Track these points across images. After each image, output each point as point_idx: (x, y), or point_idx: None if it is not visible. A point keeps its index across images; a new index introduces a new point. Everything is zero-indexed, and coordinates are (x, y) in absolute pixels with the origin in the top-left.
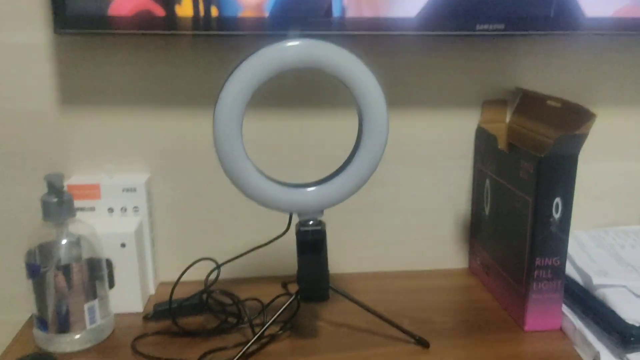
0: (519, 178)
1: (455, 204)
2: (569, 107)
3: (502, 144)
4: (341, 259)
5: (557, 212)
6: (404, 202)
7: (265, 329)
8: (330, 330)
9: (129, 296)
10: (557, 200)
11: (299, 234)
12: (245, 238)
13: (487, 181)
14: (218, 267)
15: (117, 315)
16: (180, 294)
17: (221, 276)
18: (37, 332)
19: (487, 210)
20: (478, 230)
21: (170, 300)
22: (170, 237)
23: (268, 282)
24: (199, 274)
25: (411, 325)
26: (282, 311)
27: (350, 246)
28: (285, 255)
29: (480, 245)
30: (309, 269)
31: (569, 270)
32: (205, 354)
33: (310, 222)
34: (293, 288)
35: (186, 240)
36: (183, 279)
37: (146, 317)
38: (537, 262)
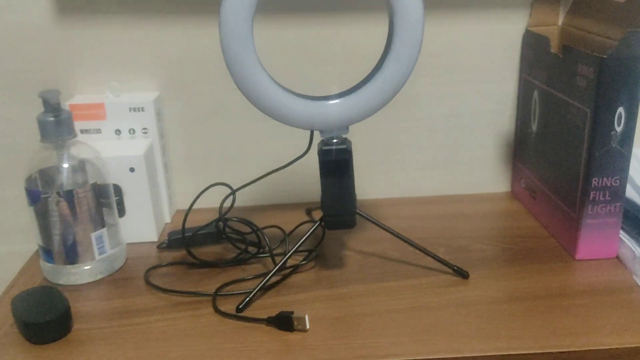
0: (575, 86)
1: (497, 121)
2: (637, 1)
3: (554, 47)
4: (369, 184)
5: (619, 124)
6: (438, 120)
7: (287, 259)
8: (358, 259)
9: (142, 225)
10: (620, 110)
11: (321, 153)
12: (264, 161)
13: (536, 93)
14: (233, 192)
15: (131, 245)
16: (196, 222)
17: (240, 204)
18: (44, 264)
19: (534, 127)
20: (523, 149)
21: (184, 229)
22: (184, 161)
23: (291, 209)
24: (216, 201)
25: (447, 254)
26: (305, 239)
27: (379, 170)
28: (309, 179)
29: (525, 167)
30: (333, 192)
31: (629, 192)
32: (222, 286)
33: (334, 140)
34: (318, 215)
35: (202, 164)
36: (200, 206)
37: (160, 247)
38: (594, 182)
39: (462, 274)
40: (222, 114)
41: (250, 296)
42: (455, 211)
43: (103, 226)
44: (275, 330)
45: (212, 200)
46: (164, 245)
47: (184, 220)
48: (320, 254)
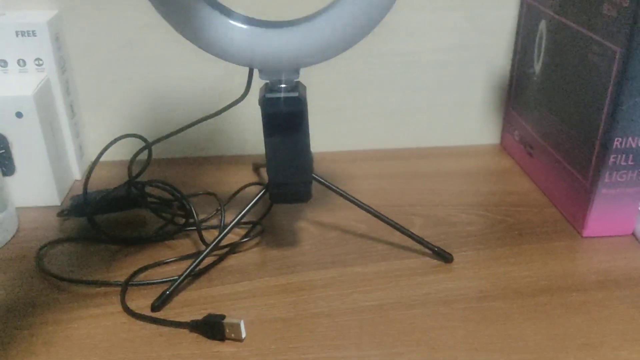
0: (600, 16)
1: (489, 57)
2: None
3: None
4: (328, 134)
5: None
6: (416, 55)
7: (220, 239)
8: (315, 235)
9: (38, 184)
10: None
11: (264, 103)
12: (194, 102)
13: (542, 24)
14: (149, 145)
15: (26, 210)
16: (112, 179)
17: (165, 155)
18: None
19: (537, 67)
20: (520, 94)
21: (85, 192)
22: (97, 101)
23: (230, 165)
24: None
25: (425, 228)
26: (246, 212)
27: (340, 117)
28: (254, 131)
29: (521, 116)
30: (281, 156)
31: None
32: (137, 272)
33: (282, 86)
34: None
35: (119, 106)
36: (116, 158)
37: (61, 215)
38: (616, 143)
39: (444, 257)
40: (142, 41)
41: (170, 289)
42: (434, 168)
43: None
44: (201, 340)
45: (125, 152)
46: (65, 212)
47: (86, 180)
48: (266, 228)
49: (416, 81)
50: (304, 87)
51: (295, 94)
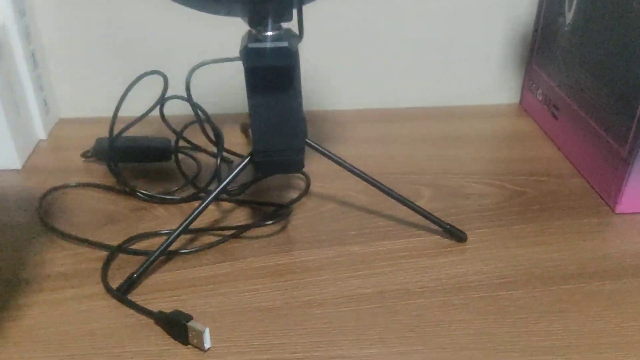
0: None
1: (510, 4)
2: None
3: None
4: (326, 90)
5: None
6: (428, 3)
7: (196, 216)
8: (309, 207)
9: None
10: None
11: (246, 54)
12: (180, 53)
13: None
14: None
15: None
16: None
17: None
18: None
19: (569, 16)
20: (546, 47)
21: (111, 135)
22: (65, 49)
23: (221, 125)
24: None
25: (435, 201)
26: (226, 183)
27: (340, 72)
28: (242, 87)
29: (546, 71)
30: (267, 119)
31: None
32: (132, 239)
33: (269, 34)
34: None
35: (92, 54)
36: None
37: (85, 155)
38: None
39: (457, 236)
40: None
41: (138, 272)
42: (446, 131)
43: None
44: (165, 337)
45: (103, 107)
46: (89, 154)
47: (112, 125)
48: (252, 199)
49: (425, 32)
50: (296, 36)
51: (284, 44)
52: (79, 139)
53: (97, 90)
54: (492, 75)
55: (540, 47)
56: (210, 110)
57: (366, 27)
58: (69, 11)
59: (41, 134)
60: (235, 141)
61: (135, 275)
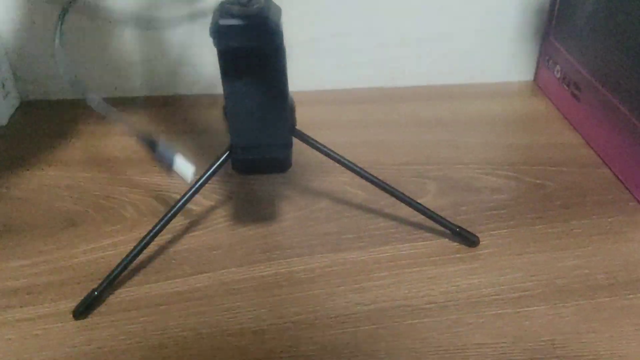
0: None
1: None
2: None
3: None
4: (316, 67)
5: None
6: None
7: (165, 223)
8: (299, 205)
9: None
10: None
11: (217, 33)
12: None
13: None
14: None
15: None
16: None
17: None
18: None
19: None
20: (566, 17)
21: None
22: (20, 23)
23: (201, 108)
24: None
25: (441, 197)
26: (200, 185)
27: (331, 46)
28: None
29: (565, 46)
30: (246, 109)
31: None
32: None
33: (250, 7)
34: None
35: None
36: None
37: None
38: None
39: (468, 240)
40: None
41: (100, 289)
42: (453, 113)
43: None
44: None
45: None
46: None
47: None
48: (234, 195)
49: (433, 3)
50: (278, 9)
51: (264, 16)
52: (42, 125)
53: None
54: (502, 49)
55: (559, 17)
56: (184, 90)
57: (354, 4)
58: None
59: (1, 120)
60: (219, 128)
61: (96, 293)
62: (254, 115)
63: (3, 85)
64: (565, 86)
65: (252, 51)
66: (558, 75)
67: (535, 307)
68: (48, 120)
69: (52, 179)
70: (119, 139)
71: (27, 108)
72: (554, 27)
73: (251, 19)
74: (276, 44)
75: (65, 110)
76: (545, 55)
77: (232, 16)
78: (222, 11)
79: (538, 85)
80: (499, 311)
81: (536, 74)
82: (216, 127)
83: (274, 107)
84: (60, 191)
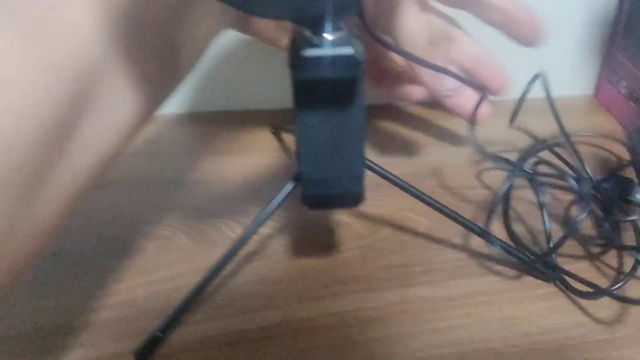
0: None
1: None
2: None
3: None
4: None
5: None
6: None
7: (230, 258)
8: (361, 237)
9: None
10: None
11: (300, 64)
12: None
13: None
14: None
15: None
16: None
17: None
18: None
19: None
20: (634, 27)
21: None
22: None
23: (247, 125)
24: None
25: (515, 224)
26: (264, 219)
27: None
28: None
29: (632, 60)
30: (321, 142)
31: None
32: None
33: (329, 38)
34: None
35: None
36: None
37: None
38: None
39: (546, 274)
40: None
41: (163, 328)
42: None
43: None
44: None
45: None
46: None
47: None
48: (291, 223)
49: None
50: (359, 37)
51: (349, 50)
52: None
53: None
54: (561, 61)
55: (626, 31)
56: (227, 106)
57: None
58: None
59: None
60: (267, 145)
61: (159, 334)
62: (328, 148)
63: None
64: (631, 103)
65: (335, 82)
66: (624, 90)
67: (626, 350)
68: None
69: (96, 203)
70: (170, 159)
71: None
72: (619, 40)
73: (336, 49)
74: (360, 73)
75: None
76: (608, 67)
77: (314, 46)
78: (300, 41)
79: (599, 98)
80: (587, 356)
81: (598, 86)
82: (259, 146)
83: (351, 139)
84: (108, 216)
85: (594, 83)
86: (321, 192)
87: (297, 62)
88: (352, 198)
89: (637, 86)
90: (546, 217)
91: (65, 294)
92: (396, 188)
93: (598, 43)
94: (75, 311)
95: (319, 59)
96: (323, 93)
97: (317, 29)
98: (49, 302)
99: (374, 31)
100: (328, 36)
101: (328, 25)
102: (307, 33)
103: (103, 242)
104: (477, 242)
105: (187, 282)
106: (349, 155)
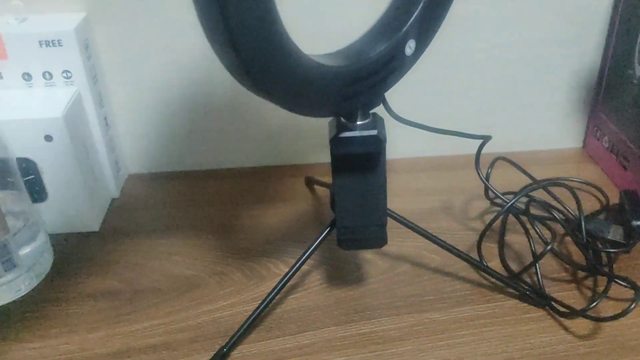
0: None
1: (575, 51)
2: None
3: None
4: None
5: None
6: (493, 51)
7: (280, 288)
8: (383, 271)
9: (74, 210)
10: None
11: (337, 143)
12: (238, 114)
13: None
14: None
15: (62, 236)
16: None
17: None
18: None
19: (638, 70)
20: (612, 96)
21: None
22: (132, 109)
23: (284, 178)
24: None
25: (511, 263)
26: (308, 256)
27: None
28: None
29: (612, 119)
30: (352, 199)
31: None
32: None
33: (358, 123)
34: (324, 193)
35: (159, 113)
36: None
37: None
38: None
39: (537, 302)
40: (182, 45)
41: (228, 346)
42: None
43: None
44: None
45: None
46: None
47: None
48: (325, 261)
49: (488, 79)
50: (382, 121)
51: (374, 132)
52: (150, 196)
53: (161, 147)
54: (554, 120)
55: (606, 97)
56: (266, 162)
57: (425, 72)
58: (136, 76)
59: (114, 192)
60: (302, 195)
61: (225, 350)
62: (357, 203)
63: (116, 162)
64: (613, 155)
65: (363, 157)
66: (606, 145)
67: None
68: (153, 190)
69: (164, 246)
70: (224, 207)
71: (134, 180)
72: (601, 104)
73: (364, 131)
74: (382, 148)
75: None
76: (593, 126)
77: (348, 129)
78: (339, 125)
79: (587, 152)
80: None
81: (585, 142)
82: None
83: (374, 196)
84: (174, 257)
85: (582, 137)
86: (352, 237)
87: (335, 142)
88: (377, 241)
89: (618, 142)
90: (533, 247)
91: (148, 320)
92: (411, 231)
93: (584, 104)
94: (155, 333)
95: (351, 139)
96: (354, 163)
97: (351, 118)
98: (133, 326)
99: (396, 114)
100: (358, 122)
101: (358, 114)
102: (343, 120)
103: (172, 278)
104: (479, 276)
105: (243, 310)
106: (374, 207)
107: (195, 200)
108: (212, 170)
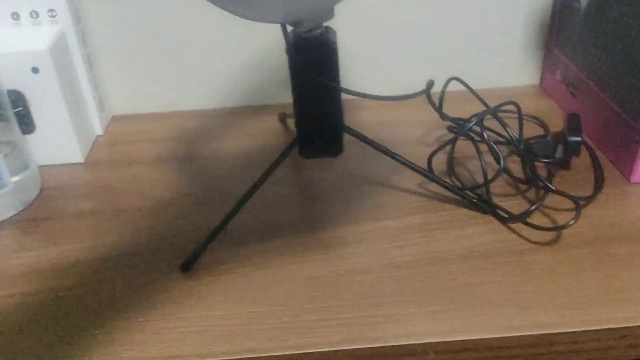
0: None
1: None
2: None
3: None
4: (351, 80)
5: None
6: None
7: (249, 196)
8: (347, 190)
9: (60, 142)
10: None
11: (292, 50)
12: (222, 54)
13: None
14: None
15: (48, 168)
16: (138, 136)
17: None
18: None
19: (583, 2)
20: (563, 30)
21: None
22: (117, 51)
23: (259, 116)
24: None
25: (464, 179)
26: (273, 168)
27: (363, 62)
28: (278, 81)
29: (564, 53)
30: (310, 107)
31: None
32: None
33: (312, 32)
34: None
35: (142, 56)
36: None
37: None
38: None
39: (483, 209)
40: None
41: (199, 247)
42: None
43: None
44: None
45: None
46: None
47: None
48: (294, 181)
49: (447, 22)
50: (334, 32)
51: (324, 36)
52: (133, 133)
53: (147, 88)
54: (511, 58)
55: (557, 31)
56: (248, 102)
57: (390, 17)
58: (118, 16)
59: (98, 130)
60: (276, 130)
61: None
62: (315, 112)
63: (100, 101)
64: (565, 86)
65: (316, 62)
66: (559, 77)
67: (536, 256)
68: (137, 130)
69: (146, 175)
70: (204, 142)
71: (119, 121)
72: (554, 40)
73: (317, 39)
74: (334, 56)
75: (150, 122)
76: (548, 61)
77: (302, 39)
78: (295, 35)
79: (542, 87)
80: (508, 259)
81: (542, 77)
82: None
83: (330, 104)
84: (155, 183)
85: (539, 73)
86: (312, 145)
87: (290, 49)
88: (334, 149)
89: (572, 76)
90: (483, 163)
91: (130, 232)
92: (380, 156)
93: (540, 42)
94: (139, 242)
95: (305, 46)
96: (309, 70)
97: (300, 27)
98: (117, 238)
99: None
100: (311, 31)
101: (309, 25)
102: (298, 30)
103: (152, 199)
104: (436, 189)
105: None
106: (330, 116)
107: (177, 137)
108: (195, 111)
